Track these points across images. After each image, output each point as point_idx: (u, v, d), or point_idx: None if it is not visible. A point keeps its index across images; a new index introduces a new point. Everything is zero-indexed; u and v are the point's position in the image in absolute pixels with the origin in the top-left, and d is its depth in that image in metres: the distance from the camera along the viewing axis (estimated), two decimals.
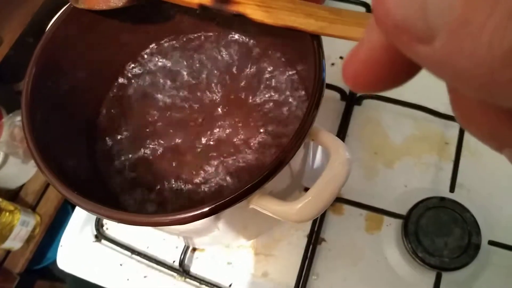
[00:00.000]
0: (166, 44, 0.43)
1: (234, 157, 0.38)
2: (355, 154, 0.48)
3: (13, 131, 0.97)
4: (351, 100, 0.49)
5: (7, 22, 0.97)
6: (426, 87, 0.50)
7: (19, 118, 0.98)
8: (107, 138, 0.39)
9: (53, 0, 0.96)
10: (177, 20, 0.42)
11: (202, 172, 0.37)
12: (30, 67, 0.31)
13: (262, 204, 0.29)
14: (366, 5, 0.53)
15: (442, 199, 0.44)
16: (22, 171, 1.09)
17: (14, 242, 1.03)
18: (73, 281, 1.27)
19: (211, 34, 0.43)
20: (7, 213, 0.98)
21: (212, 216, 0.32)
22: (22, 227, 1.03)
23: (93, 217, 0.49)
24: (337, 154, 0.29)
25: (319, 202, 0.28)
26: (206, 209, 0.26)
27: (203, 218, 0.26)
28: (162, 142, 0.39)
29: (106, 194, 0.36)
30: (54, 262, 1.26)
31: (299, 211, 0.28)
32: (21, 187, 1.13)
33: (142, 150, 0.39)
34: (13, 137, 0.96)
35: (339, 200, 0.45)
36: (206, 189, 0.36)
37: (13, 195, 1.11)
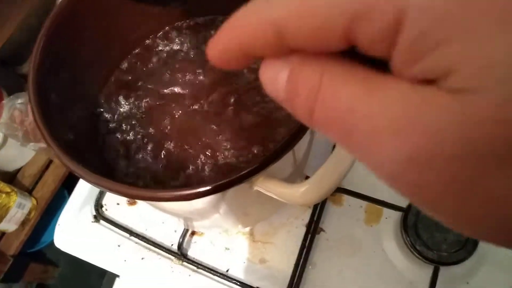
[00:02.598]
0: (174, 29, 0.43)
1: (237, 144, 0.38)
2: None
3: (13, 113, 0.96)
4: None
5: (12, 4, 0.97)
6: None
7: (20, 100, 0.97)
8: (109, 117, 0.39)
9: None
10: (186, 5, 0.42)
11: (205, 156, 0.37)
12: (39, 39, 0.31)
13: (267, 186, 0.29)
14: None
15: None
16: (20, 154, 1.08)
17: (9, 224, 1.03)
18: (67, 264, 1.26)
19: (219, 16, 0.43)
20: (4, 195, 0.98)
21: (216, 198, 0.32)
22: (18, 210, 1.02)
23: (92, 197, 0.49)
24: None
25: (323, 186, 0.28)
26: (211, 186, 0.26)
27: (208, 195, 0.26)
28: (165, 123, 0.39)
29: (106, 170, 0.36)
30: (48, 246, 1.26)
31: (303, 194, 0.28)
32: (19, 170, 1.13)
33: (145, 130, 0.39)
34: (13, 119, 0.96)
35: (340, 190, 0.46)
36: (210, 171, 0.36)
37: (10, 178, 1.11)
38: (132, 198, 0.27)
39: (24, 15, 0.97)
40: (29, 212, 1.07)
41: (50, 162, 1.13)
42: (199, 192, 0.26)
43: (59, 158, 0.27)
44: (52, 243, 1.30)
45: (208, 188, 0.26)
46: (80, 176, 0.27)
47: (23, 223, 1.07)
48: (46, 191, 1.11)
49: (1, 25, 0.95)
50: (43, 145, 0.98)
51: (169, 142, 0.37)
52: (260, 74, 0.14)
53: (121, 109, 0.40)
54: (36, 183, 1.12)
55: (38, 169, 1.12)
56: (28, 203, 1.06)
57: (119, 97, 0.40)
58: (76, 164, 0.27)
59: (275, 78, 0.13)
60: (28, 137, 0.96)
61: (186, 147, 0.37)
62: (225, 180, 0.26)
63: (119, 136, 0.38)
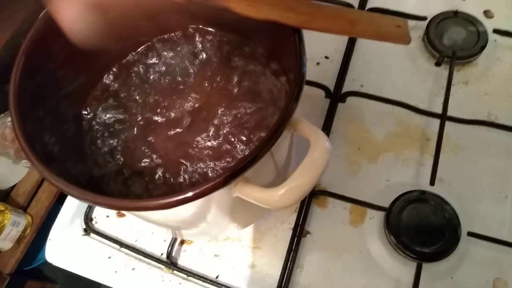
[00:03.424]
0: (152, 44, 0.45)
1: (215, 151, 0.39)
2: (339, 150, 0.49)
3: (4, 131, 0.97)
4: (335, 98, 0.51)
5: None
6: (407, 85, 0.52)
7: (10, 118, 0.98)
8: (94, 127, 0.40)
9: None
10: (161, 19, 0.43)
11: (185, 164, 0.38)
12: (19, 57, 0.32)
13: (245, 192, 0.30)
14: (350, 6, 0.55)
15: (423, 192, 0.45)
16: (13, 171, 1.09)
17: (4, 243, 1.03)
18: (64, 281, 1.26)
19: (191, 31, 0.44)
20: None
21: (200, 206, 0.33)
22: (13, 228, 1.03)
23: (82, 211, 0.50)
24: (317, 142, 0.30)
25: (300, 188, 0.29)
26: (190, 193, 0.27)
27: (188, 202, 0.27)
28: (145, 136, 0.40)
29: (91, 183, 0.37)
30: (45, 262, 1.26)
31: (281, 197, 0.29)
32: (12, 187, 1.13)
33: (124, 143, 0.40)
34: (4, 137, 0.97)
35: (324, 193, 0.47)
36: (188, 180, 0.37)
37: (4, 196, 1.11)
38: (114, 209, 0.28)
39: (11, 34, 0.98)
40: (24, 230, 1.07)
41: (43, 178, 1.14)
42: (180, 199, 0.27)
43: (40, 172, 0.28)
44: None
45: (187, 195, 0.27)
46: (62, 190, 0.27)
47: (19, 241, 1.07)
48: (41, 208, 1.11)
49: None
50: None
51: (152, 155, 0.39)
52: None
53: (103, 122, 0.41)
54: (31, 200, 1.12)
55: (32, 186, 1.12)
56: (23, 221, 1.06)
57: (100, 112, 0.41)
58: (57, 177, 0.28)
59: None
60: (20, 155, 0.97)
61: (167, 159, 0.38)
62: (203, 186, 0.27)
63: (101, 148, 0.39)
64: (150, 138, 0.40)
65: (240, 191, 0.30)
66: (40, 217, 1.11)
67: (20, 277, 1.13)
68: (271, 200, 0.30)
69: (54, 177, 0.27)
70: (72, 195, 0.28)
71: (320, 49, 0.55)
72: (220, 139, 0.39)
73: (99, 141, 0.40)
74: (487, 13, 0.55)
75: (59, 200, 1.17)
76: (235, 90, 0.41)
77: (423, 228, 0.44)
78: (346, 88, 0.52)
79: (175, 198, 0.27)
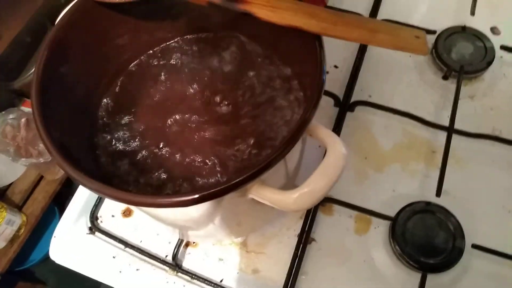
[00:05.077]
0: (171, 44, 0.45)
1: (231, 153, 0.39)
2: None
3: (5, 128, 0.97)
4: (344, 106, 0.51)
5: (6, 21, 0.98)
6: (414, 97, 0.53)
7: (11, 116, 0.98)
8: (107, 125, 0.41)
9: (53, 1, 0.98)
10: (181, 21, 0.44)
11: (201, 164, 0.38)
12: (43, 50, 0.32)
13: (261, 193, 0.30)
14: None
15: (428, 203, 0.46)
16: (11, 169, 1.08)
17: None
18: (55, 283, 1.25)
19: (211, 34, 0.44)
20: None
21: (211, 206, 0.33)
22: (7, 226, 1.02)
23: (88, 209, 0.50)
24: (334, 148, 0.30)
25: (315, 192, 0.30)
26: (207, 192, 0.27)
27: (204, 201, 0.27)
28: (161, 135, 0.40)
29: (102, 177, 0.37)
30: (37, 264, 1.25)
31: (296, 200, 0.29)
32: (9, 186, 1.12)
33: (142, 141, 0.40)
34: (4, 135, 0.96)
35: (330, 200, 0.47)
36: (205, 180, 0.37)
37: (0, 194, 1.10)
38: (131, 204, 0.28)
39: (17, 32, 0.98)
40: (19, 229, 1.06)
41: (40, 178, 1.13)
42: (197, 198, 0.27)
43: (60, 165, 0.28)
44: (41, 261, 1.28)
45: (205, 193, 0.27)
46: (80, 183, 0.28)
47: (12, 240, 1.06)
48: (36, 208, 1.11)
49: None
50: (34, 160, 0.98)
51: (166, 151, 0.39)
52: None
53: (119, 119, 0.41)
54: (27, 199, 1.12)
55: (29, 185, 1.11)
56: (17, 220, 1.05)
57: (117, 107, 0.41)
58: (76, 170, 0.28)
59: None
60: (19, 153, 0.97)
61: (181, 156, 0.38)
62: (221, 186, 0.27)
63: (117, 144, 0.40)
64: (168, 135, 0.40)
65: (257, 192, 0.30)
66: (35, 217, 1.10)
67: (11, 277, 1.11)
68: (285, 202, 0.30)
69: (75, 170, 0.28)
70: (86, 186, 0.28)
71: (329, 58, 0.54)
72: (235, 140, 0.39)
73: (114, 137, 0.40)
74: (494, 30, 0.56)
75: (54, 201, 1.17)
76: (253, 93, 0.41)
77: (427, 239, 0.45)
78: (354, 97, 0.52)
79: (194, 196, 0.27)
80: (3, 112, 0.98)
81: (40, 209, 1.11)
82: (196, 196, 0.27)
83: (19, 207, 1.10)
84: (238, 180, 0.27)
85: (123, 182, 0.37)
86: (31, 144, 1.00)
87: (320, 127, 0.32)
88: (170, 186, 0.37)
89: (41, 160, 1.00)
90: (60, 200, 1.18)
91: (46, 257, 1.16)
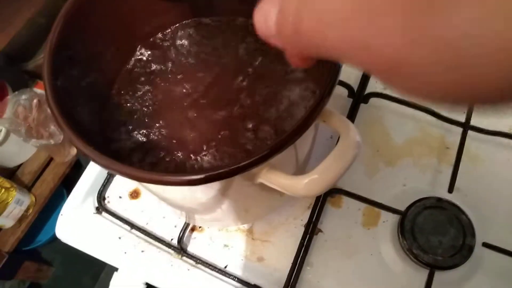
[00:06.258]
0: (184, 26, 0.45)
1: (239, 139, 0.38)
2: None
3: (17, 109, 0.97)
4: (358, 98, 0.51)
5: (18, 3, 0.98)
6: None
7: (24, 96, 0.98)
8: (119, 105, 0.40)
9: None
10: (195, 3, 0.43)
11: (211, 150, 0.38)
12: (55, 26, 0.32)
13: (271, 178, 0.30)
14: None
15: (440, 199, 0.45)
16: (22, 150, 1.09)
17: (6, 220, 1.03)
18: (61, 265, 1.26)
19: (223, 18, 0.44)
20: (3, 190, 0.98)
21: (220, 189, 0.33)
22: (16, 206, 1.03)
23: (95, 189, 0.50)
24: (347, 135, 0.30)
25: (325, 179, 0.29)
26: (218, 171, 0.27)
27: (212, 181, 0.27)
28: (170, 118, 0.40)
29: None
30: (44, 245, 1.26)
31: (306, 186, 0.29)
32: (19, 166, 1.13)
33: (153, 122, 0.40)
34: (17, 115, 0.97)
35: (339, 191, 0.46)
36: (212, 161, 0.37)
37: (10, 174, 1.11)
38: (139, 181, 0.28)
39: (32, 13, 0.99)
40: (27, 209, 1.07)
41: (50, 160, 1.14)
42: (204, 177, 0.27)
43: (71, 141, 0.28)
44: (47, 242, 1.30)
45: (213, 173, 0.27)
46: (91, 158, 0.27)
47: (20, 220, 1.07)
48: (45, 189, 1.12)
49: (8, 23, 0.97)
50: (44, 141, 0.99)
51: (176, 131, 0.38)
52: (255, 16, 0.20)
53: (130, 99, 0.41)
54: (36, 180, 1.13)
55: (38, 167, 1.12)
56: (26, 200, 1.06)
57: (129, 87, 0.41)
58: (88, 146, 0.28)
59: (268, 15, 0.19)
60: (30, 133, 0.97)
61: (192, 137, 0.38)
62: (230, 167, 0.27)
63: (127, 124, 0.39)
64: (180, 116, 0.39)
65: (265, 177, 0.30)
66: (43, 198, 1.11)
67: (18, 257, 1.13)
68: (295, 187, 0.30)
69: (86, 146, 0.27)
70: (96, 161, 0.28)
71: None
72: (244, 124, 0.38)
73: (125, 116, 0.40)
74: None
75: (63, 183, 1.17)
76: (269, 78, 0.41)
77: (437, 235, 0.44)
78: (369, 89, 0.52)
79: (205, 175, 0.26)
80: (16, 93, 0.99)
81: (48, 190, 1.12)
82: (203, 175, 0.26)
83: (28, 188, 1.11)
84: (247, 161, 0.27)
85: (132, 163, 0.37)
86: (42, 126, 1.01)
87: (335, 113, 0.31)
88: (179, 167, 0.37)
89: (52, 142, 1.01)
90: (68, 183, 1.19)
91: (53, 239, 1.18)
